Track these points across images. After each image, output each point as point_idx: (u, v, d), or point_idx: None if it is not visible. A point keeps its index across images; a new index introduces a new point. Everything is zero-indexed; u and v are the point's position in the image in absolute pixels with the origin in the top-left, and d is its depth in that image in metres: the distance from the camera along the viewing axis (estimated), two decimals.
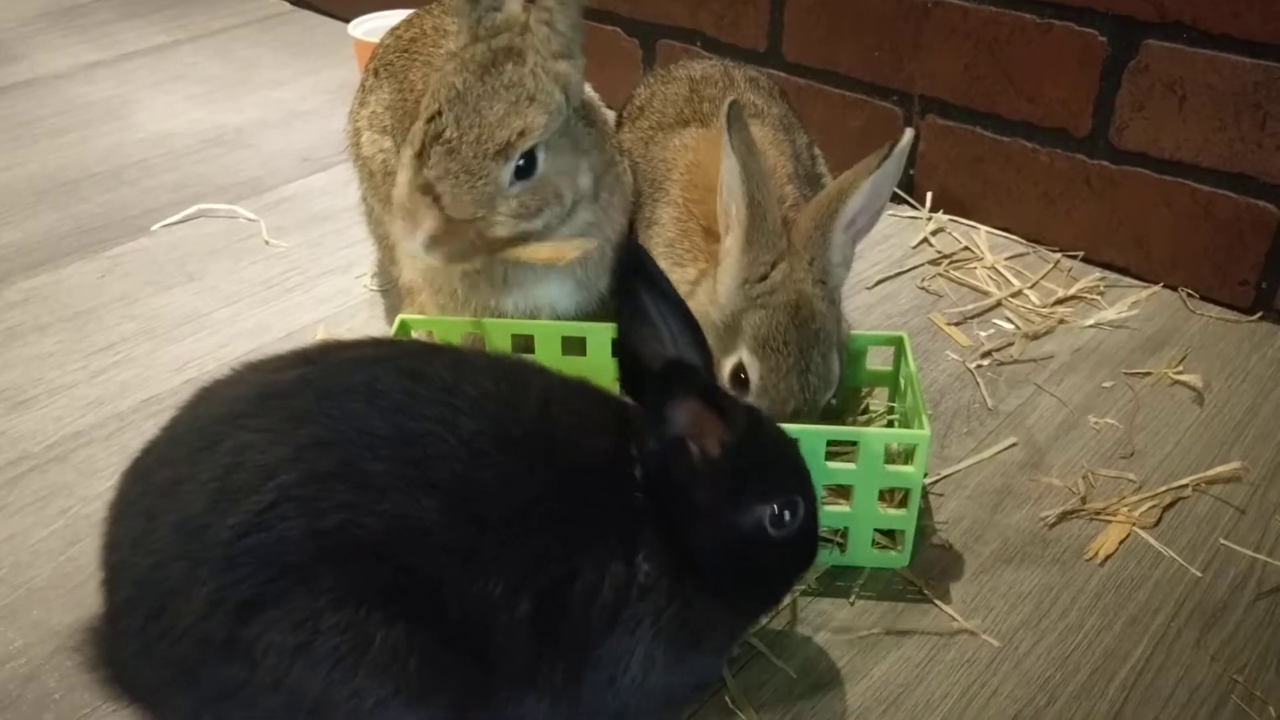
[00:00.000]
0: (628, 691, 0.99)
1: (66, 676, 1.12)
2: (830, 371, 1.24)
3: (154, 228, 1.91)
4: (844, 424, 1.38)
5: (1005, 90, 1.82)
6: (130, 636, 0.90)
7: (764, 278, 1.22)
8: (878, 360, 1.42)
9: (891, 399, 1.39)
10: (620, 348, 1.00)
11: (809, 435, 1.18)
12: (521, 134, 1.21)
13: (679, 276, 1.30)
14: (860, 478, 1.20)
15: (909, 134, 1.18)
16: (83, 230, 1.91)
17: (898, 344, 1.34)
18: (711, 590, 0.99)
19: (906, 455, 1.24)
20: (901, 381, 1.34)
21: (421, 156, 1.23)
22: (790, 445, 1.04)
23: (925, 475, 1.38)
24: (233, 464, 0.87)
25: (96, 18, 2.85)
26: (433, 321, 1.38)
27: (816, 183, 1.58)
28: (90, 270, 1.80)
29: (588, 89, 1.46)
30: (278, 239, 1.90)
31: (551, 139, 1.25)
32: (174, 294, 1.75)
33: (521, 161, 1.23)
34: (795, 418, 1.21)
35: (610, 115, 1.46)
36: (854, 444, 1.19)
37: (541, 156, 1.25)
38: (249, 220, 1.94)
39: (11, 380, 1.55)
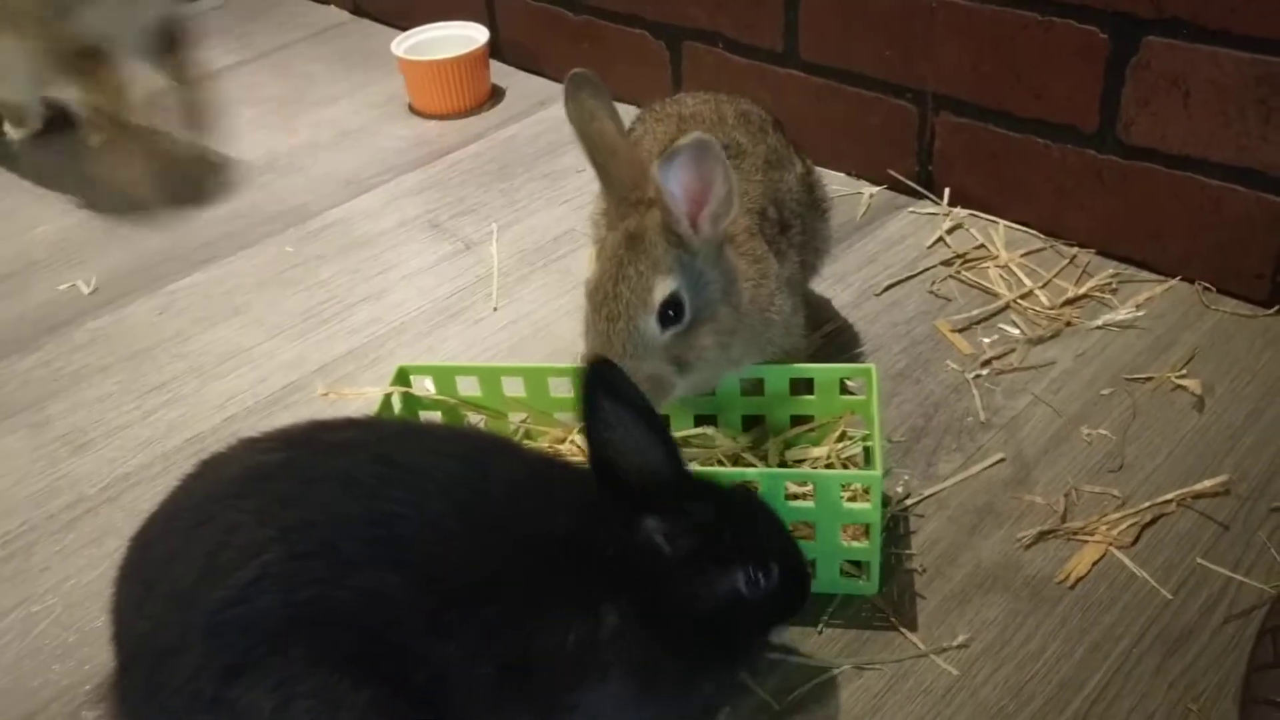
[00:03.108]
0: None
1: (102, 716, 1.26)
2: (638, 332, 1.25)
3: (207, 262, 2.05)
4: (823, 450, 1.43)
5: (1013, 87, 1.81)
6: (134, 688, 1.04)
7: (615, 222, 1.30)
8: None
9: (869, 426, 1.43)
10: (591, 454, 1.06)
11: (767, 477, 1.25)
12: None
13: None
14: (820, 516, 1.26)
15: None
16: (145, 267, 2.06)
17: (866, 376, 1.38)
18: (678, 650, 1.08)
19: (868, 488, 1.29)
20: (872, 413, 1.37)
21: None
22: (763, 513, 1.12)
23: (908, 496, 1.43)
24: (221, 541, 0.99)
25: None
26: (430, 368, 1.47)
27: (817, 208, 1.61)
28: (149, 308, 1.95)
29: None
30: (320, 266, 2.02)
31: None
32: (221, 329, 1.88)
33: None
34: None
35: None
36: None
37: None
38: (293, 250, 2.06)
39: (75, 423, 1.70)
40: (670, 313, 1.26)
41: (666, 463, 1.06)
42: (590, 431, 1.05)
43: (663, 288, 1.25)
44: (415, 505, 1.02)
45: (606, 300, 1.26)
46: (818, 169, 1.70)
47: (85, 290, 2.00)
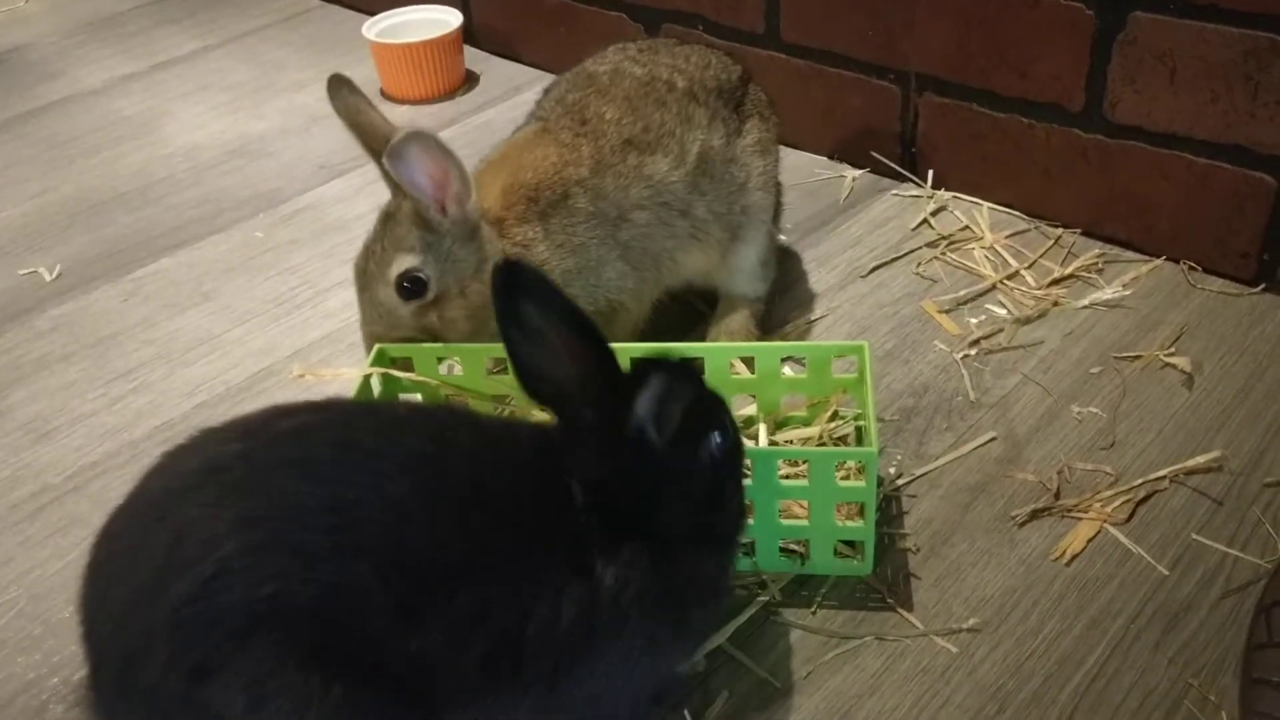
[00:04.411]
0: (624, 686, 1.05)
1: (72, 709, 1.21)
2: (380, 303, 1.38)
3: (175, 248, 2.00)
4: (815, 429, 1.40)
5: (998, 66, 1.79)
6: (105, 690, 0.99)
7: None
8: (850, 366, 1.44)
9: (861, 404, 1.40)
10: (514, 364, 1.02)
11: (761, 455, 1.22)
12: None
13: None
14: (814, 494, 1.23)
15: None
16: (111, 253, 2.00)
17: (858, 354, 1.35)
18: (686, 542, 1.05)
19: (861, 468, 1.26)
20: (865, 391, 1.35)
21: None
22: (694, 369, 1.09)
23: (900, 476, 1.41)
24: (179, 537, 0.94)
25: (134, 26, 2.93)
26: (410, 349, 1.43)
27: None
28: (114, 294, 1.89)
29: None
30: (292, 252, 1.97)
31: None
32: (190, 315, 1.83)
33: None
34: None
35: None
36: None
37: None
38: (263, 235, 2.01)
39: (38, 411, 1.65)
40: (409, 286, 1.36)
41: (595, 353, 1.01)
42: (510, 340, 1.00)
43: (400, 264, 1.36)
44: (374, 489, 0.97)
45: (359, 274, 1.40)
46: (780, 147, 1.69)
47: (48, 277, 1.94)
